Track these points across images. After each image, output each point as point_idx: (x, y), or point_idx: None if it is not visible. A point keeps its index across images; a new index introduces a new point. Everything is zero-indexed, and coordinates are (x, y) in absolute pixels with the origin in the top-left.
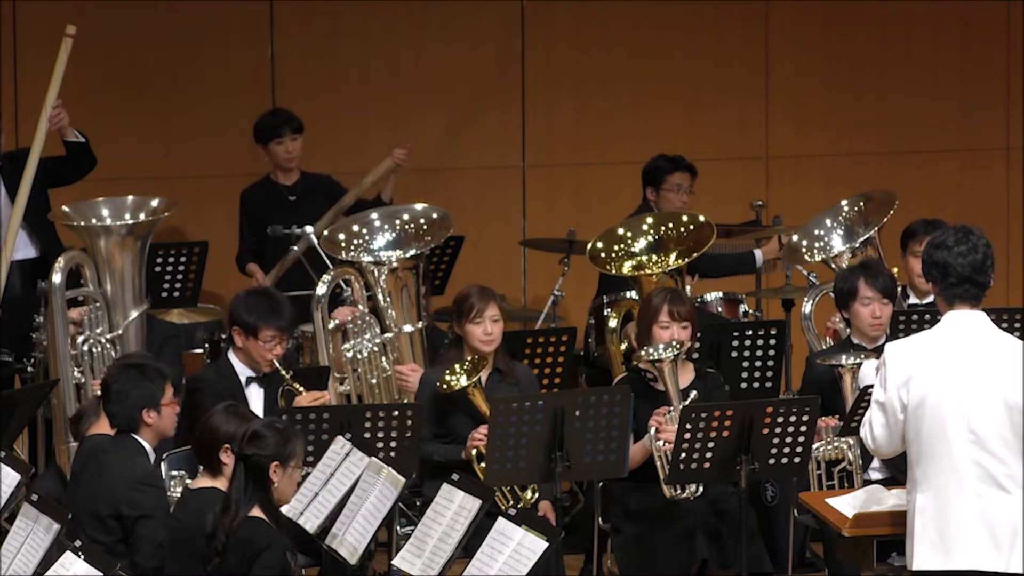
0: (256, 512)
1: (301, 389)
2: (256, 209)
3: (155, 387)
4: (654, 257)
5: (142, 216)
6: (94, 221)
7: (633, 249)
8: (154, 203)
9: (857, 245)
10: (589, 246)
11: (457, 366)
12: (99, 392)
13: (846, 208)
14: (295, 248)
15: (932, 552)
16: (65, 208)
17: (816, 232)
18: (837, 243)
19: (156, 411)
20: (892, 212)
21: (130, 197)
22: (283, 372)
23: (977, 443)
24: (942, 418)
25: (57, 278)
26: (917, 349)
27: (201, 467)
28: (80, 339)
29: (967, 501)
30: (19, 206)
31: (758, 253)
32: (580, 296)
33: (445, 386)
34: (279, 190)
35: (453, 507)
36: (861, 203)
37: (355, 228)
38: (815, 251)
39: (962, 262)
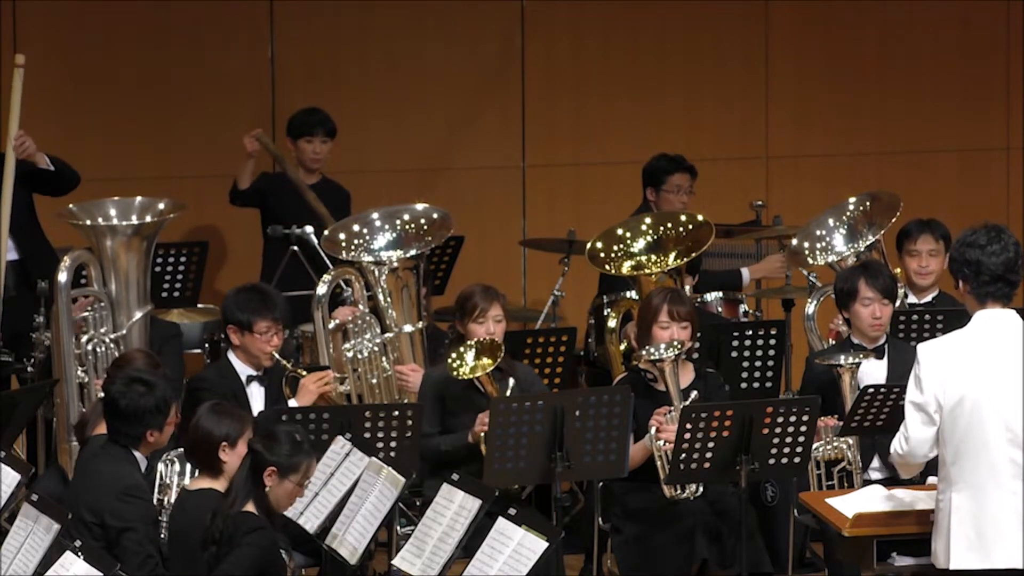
0: (249, 508)
1: (304, 372)
2: (269, 197)
3: (163, 411)
4: (653, 257)
5: (149, 217)
6: (100, 221)
7: (632, 249)
8: (161, 205)
9: (862, 249)
10: (588, 246)
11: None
12: (101, 395)
13: (852, 207)
14: (295, 248)
15: (969, 551)
16: (72, 207)
17: (818, 232)
18: (839, 243)
19: (159, 431)
20: (896, 217)
21: (138, 198)
22: (284, 362)
23: (1014, 441)
24: (980, 417)
25: (63, 277)
26: (951, 349)
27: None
28: (84, 338)
29: (1004, 499)
30: (3, 214)
31: (745, 272)
32: (580, 296)
33: (457, 364)
34: (297, 186)
35: (453, 507)
36: (867, 202)
37: (355, 228)
38: (817, 252)
39: (995, 261)
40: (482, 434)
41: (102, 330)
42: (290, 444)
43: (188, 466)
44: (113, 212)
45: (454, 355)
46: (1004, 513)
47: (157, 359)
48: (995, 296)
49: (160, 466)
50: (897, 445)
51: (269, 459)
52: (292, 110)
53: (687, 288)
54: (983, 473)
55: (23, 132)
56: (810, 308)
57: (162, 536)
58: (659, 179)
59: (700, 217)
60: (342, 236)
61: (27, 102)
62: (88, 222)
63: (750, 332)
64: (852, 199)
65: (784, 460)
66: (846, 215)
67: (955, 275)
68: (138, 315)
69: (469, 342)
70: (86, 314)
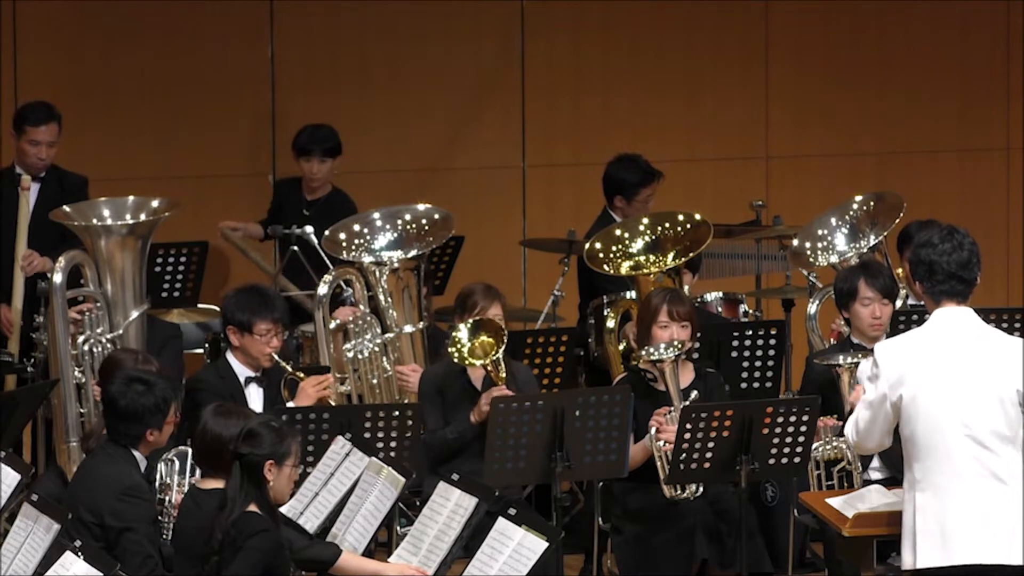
0: (252, 509)
1: (302, 376)
2: (279, 201)
3: (163, 410)
4: (651, 257)
5: (143, 216)
6: (95, 221)
7: (631, 249)
8: (155, 203)
9: (865, 250)
10: (587, 247)
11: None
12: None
13: (855, 206)
14: (295, 248)
15: (934, 549)
16: (66, 208)
17: (820, 232)
18: (841, 242)
19: (159, 430)
20: (899, 219)
21: (131, 197)
22: (283, 364)
23: (972, 438)
24: (936, 415)
25: (58, 278)
26: (907, 347)
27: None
28: (81, 339)
29: (966, 496)
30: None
31: None
32: None
33: (456, 349)
34: (301, 199)
35: (449, 505)
36: (871, 202)
37: (356, 228)
38: (819, 253)
39: (947, 259)
40: (487, 410)
41: (98, 330)
42: (273, 433)
43: (188, 465)
44: (106, 212)
45: (449, 341)
46: (967, 509)
47: (148, 356)
48: (949, 294)
49: (160, 466)
50: (850, 432)
51: (262, 454)
52: (292, 110)
53: (686, 287)
54: (944, 470)
55: (31, 252)
56: (812, 308)
57: (164, 536)
58: (630, 191)
59: (698, 216)
60: (343, 236)
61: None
62: (82, 223)
63: (750, 332)
64: (857, 198)
65: (784, 460)
66: (849, 214)
67: (913, 276)
68: (134, 315)
69: (463, 324)
70: (79, 317)
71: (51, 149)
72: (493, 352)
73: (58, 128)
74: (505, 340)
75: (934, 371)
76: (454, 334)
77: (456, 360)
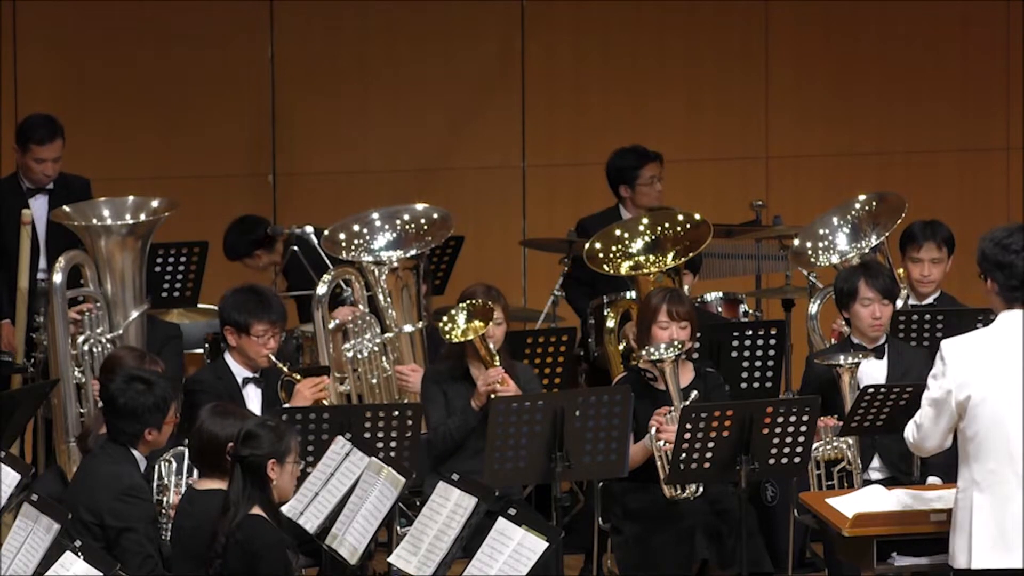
0: (256, 511)
1: (299, 377)
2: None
3: (162, 409)
4: (651, 257)
5: (143, 216)
6: (94, 221)
7: (631, 249)
8: (155, 203)
9: (867, 252)
10: (587, 247)
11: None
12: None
13: (858, 206)
14: (295, 248)
15: (993, 550)
16: (66, 208)
17: (821, 231)
18: (842, 242)
19: (158, 430)
20: (900, 220)
21: (131, 197)
22: (280, 365)
23: None
24: (1000, 417)
25: (58, 278)
26: (974, 348)
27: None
28: (81, 339)
29: None
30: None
31: None
32: None
33: (449, 327)
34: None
35: (449, 505)
36: (874, 202)
37: (356, 228)
38: (820, 253)
39: None
40: (485, 390)
41: (98, 330)
42: (271, 432)
43: (187, 465)
44: (106, 212)
45: (445, 318)
46: None
47: (149, 355)
48: (1023, 300)
49: (159, 466)
50: (909, 433)
51: (263, 454)
52: (292, 110)
53: (686, 287)
54: (1006, 472)
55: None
56: (813, 308)
57: (163, 536)
58: (631, 175)
59: (697, 216)
60: (342, 236)
61: (27, 102)
62: (82, 223)
63: (750, 332)
64: (860, 198)
65: (784, 460)
66: (851, 214)
67: (984, 272)
68: (134, 315)
69: (461, 304)
70: (79, 317)
71: (55, 164)
72: (481, 329)
73: (62, 142)
74: (492, 317)
75: (1002, 374)
76: (451, 312)
77: (444, 333)
